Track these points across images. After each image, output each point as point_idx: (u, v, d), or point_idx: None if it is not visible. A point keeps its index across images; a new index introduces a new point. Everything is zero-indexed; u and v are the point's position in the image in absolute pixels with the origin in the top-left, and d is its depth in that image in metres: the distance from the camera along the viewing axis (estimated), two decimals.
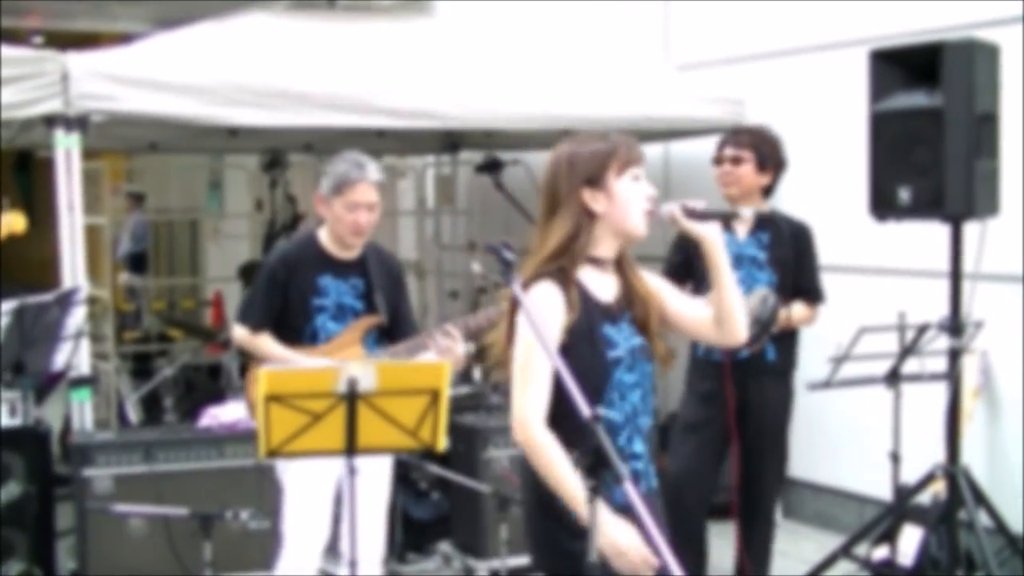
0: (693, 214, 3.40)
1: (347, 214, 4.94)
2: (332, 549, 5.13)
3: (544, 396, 3.30)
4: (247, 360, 5.23)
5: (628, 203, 3.39)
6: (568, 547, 3.29)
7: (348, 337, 5.01)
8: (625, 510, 3.26)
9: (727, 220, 3.42)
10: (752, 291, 5.41)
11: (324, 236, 5.09)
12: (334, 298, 5.03)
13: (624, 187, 3.39)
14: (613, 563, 3.20)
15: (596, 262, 3.43)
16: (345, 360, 4.85)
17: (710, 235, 3.40)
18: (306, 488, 4.95)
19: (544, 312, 3.29)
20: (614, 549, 3.20)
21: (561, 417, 3.28)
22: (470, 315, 5.16)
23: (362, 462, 4.43)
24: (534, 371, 3.30)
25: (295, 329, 5.03)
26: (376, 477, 4.98)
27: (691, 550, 5.67)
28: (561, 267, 3.36)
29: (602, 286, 3.44)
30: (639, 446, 3.43)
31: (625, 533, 3.21)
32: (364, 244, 5.11)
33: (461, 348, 4.82)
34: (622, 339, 3.40)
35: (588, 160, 3.40)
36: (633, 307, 3.46)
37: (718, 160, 5.62)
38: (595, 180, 3.38)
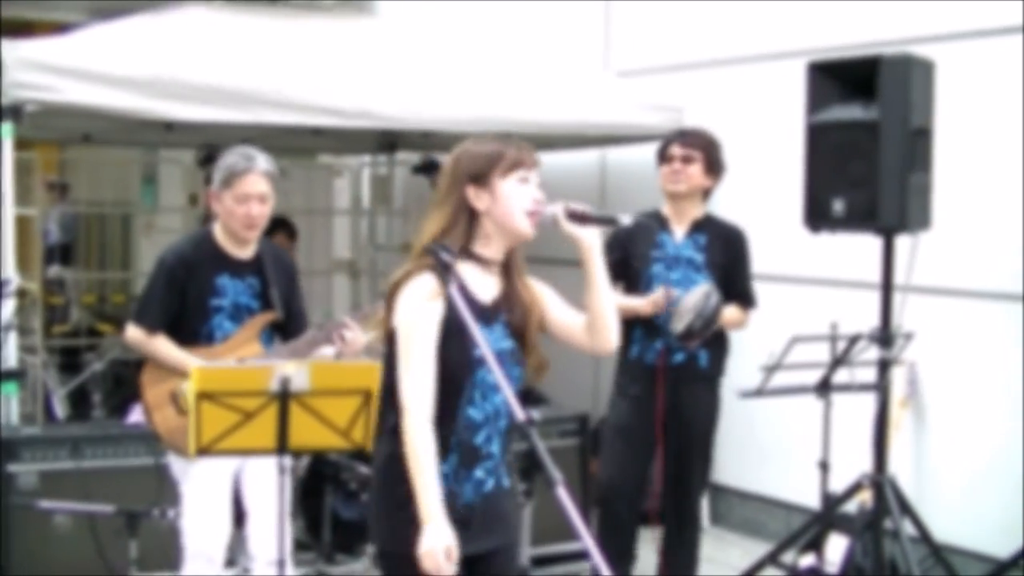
0: (575, 216, 3.43)
1: (238, 207, 4.87)
2: (242, 549, 5.10)
3: (427, 386, 3.33)
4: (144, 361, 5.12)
5: (511, 203, 3.43)
6: (405, 533, 3.33)
7: (244, 335, 4.96)
8: (471, 508, 3.38)
9: (605, 224, 3.44)
10: (690, 290, 5.43)
11: (219, 234, 5.02)
12: (231, 298, 4.96)
13: (509, 187, 3.43)
14: (421, 558, 3.22)
15: (480, 260, 3.47)
16: (242, 357, 4.84)
17: (587, 239, 3.44)
18: (204, 485, 4.90)
19: (422, 304, 3.35)
20: (427, 544, 3.21)
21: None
22: (366, 305, 5.12)
23: (263, 461, 4.41)
24: (414, 360, 3.34)
25: (192, 330, 4.94)
26: (275, 477, 4.93)
27: (622, 554, 5.70)
28: (437, 259, 3.37)
29: (482, 285, 3.48)
30: (496, 446, 3.46)
31: (443, 535, 3.23)
32: (259, 242, 5.07)
33: (363, 337, 4.81)
34: (492, 340, 3.41)
35: (475, 158, 3.46)
36: (511, 312, 3.49)
37: (667, 158, 5.62)
38: (480, 178, 3.43)
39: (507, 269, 3.54)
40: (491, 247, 3.48)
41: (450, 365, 3.36)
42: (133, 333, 4.98)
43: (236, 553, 5.36)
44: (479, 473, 3.43)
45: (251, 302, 5.01)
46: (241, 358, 4.84)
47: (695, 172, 5.59)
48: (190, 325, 4.95)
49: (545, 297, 3.60)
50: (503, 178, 3.43)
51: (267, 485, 4.71)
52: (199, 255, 4.99)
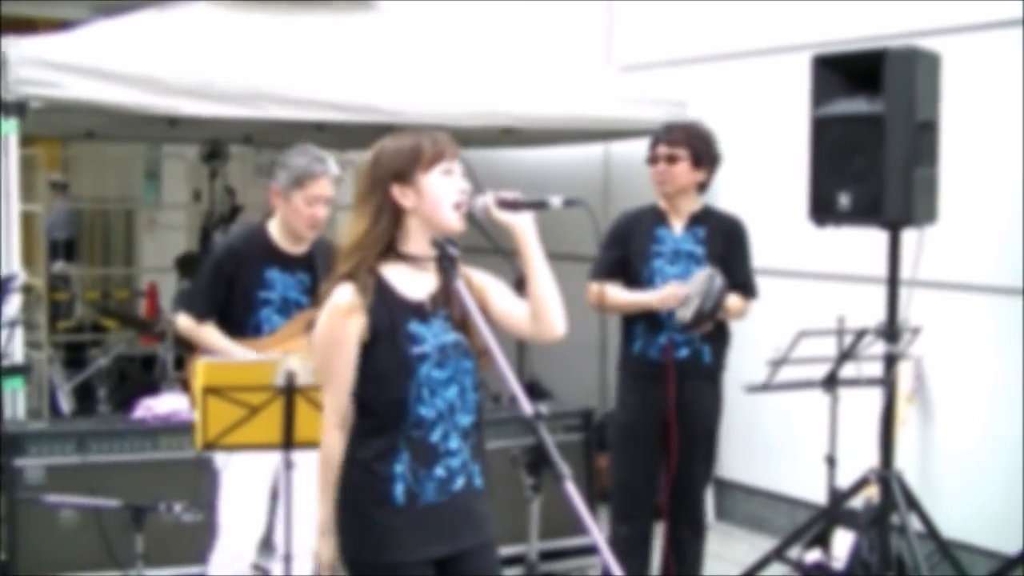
0: (505, 204, 3.41)
1: (306, 208, 4.93)
2: (266, 543, 5.11)
3: (344, 400, 3.38)
4: (184, 351, 5.21)
5: (437, 197, 3.39)
6: (378, 538, 3.38)
7: (291, 329, 4.98)
8: (437, 508, 3.38)
9: (536, 208, 3.42)
10: (697, 272, 5.41)
11: (274, 229, 5.07)
12: (280, 292, 5.01)
13: (432, 181, 3.39)
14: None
15: (409, 259, 3.44)
16: (287, 352, 4.83)
17: (521, 224, 3.40)
18: (243, 479, 4.93)
19: (337, 319, 3.35)
20: (318, 556, 3.44)
21: (366, 411, 3.41)
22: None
23: (297, 456, 4.42)
24: (331, 374, 3.38)
25: (239, 321, 5.01)
26: (311, 471, 4.95)
27: (639, 553, 5.70)
28: (357, 263, 3.39)
29: (413, 283, 3.45)
30: (455, 443, 3.42)
31: (326, 549, 3.42)
32: (313, 237, 5.10)
33: None
34: (431, 335, 3.41)
35: (395, 155, 3.41)
36: (451, 305, 3.45)
37: (653, 159, 5.62)
38: (403, 175, 3.38)
39: (440, 263, 3.48)
40: (420, 244, 3.44)
41: (385, 367, 3.35)
42: (182, 321, 5.10)
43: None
44: (440, 471, 3.39)
45: (300, 297, 5.06)
46: (285, 352, 4.84)
47: (681, 171, 5.56)
48: (237, 317, 5.02)
49: (488, 287, 3.55)
50: (426, 173, 3.38)
51: (305, 480, 4.73)
52: (249, 248, 5.06)
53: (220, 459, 4.99)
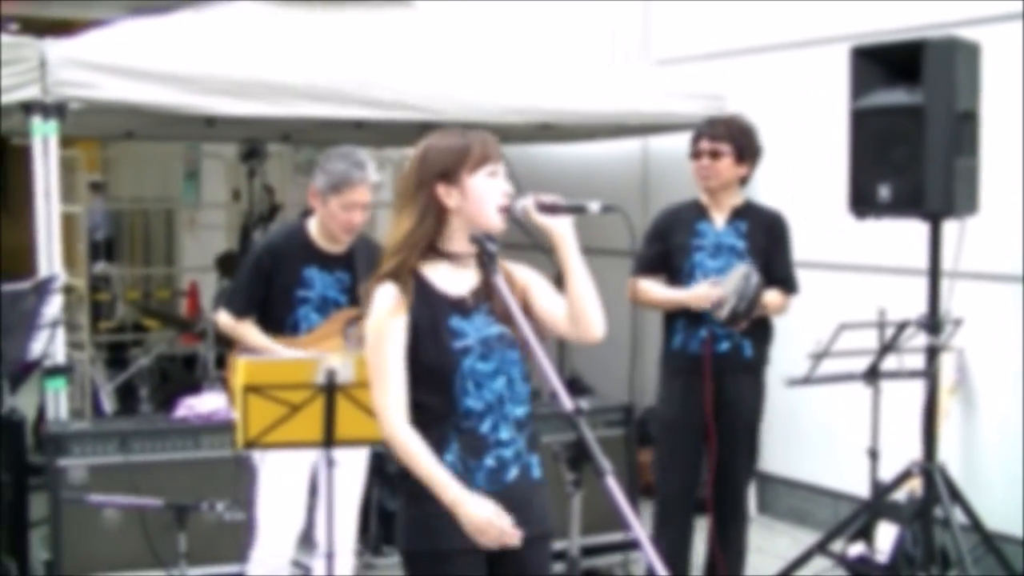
0: (544, 208, 3.41)
1: (342, 213, 4.94)
2: (306, 539, 5.13)
3: (400, 393, 3.36)
4: (225, 349, 5.24)
5: (482, 199, 3.41)
6: (429, 527, 3.38)
7: (328, 328, 5.00)
8: (487, 495, 3.35)
9: (575, 213, 3.43)
10: (733, 270, 5.40)
11: (313, 228, 5.09)
12: (318, 290, 5.03)
13: (478, 183, 3.41)
14: (477, 539, 3.28)
15: (450, 257, 3.47)
16: (324, 351, 4.84)
17: (559, 229, 3.41)
18: (281, 476, 4.95)
19: (384, 316, 3.37)
20: (473, 526, 3.27)
21: (415, 406, 3.39)
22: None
23: (338, 453, 4.43)
24: (383, 370, 3.37)
25: (277, 319, 5.03)
26: (351, 469, 4.98)
27: (682, 549, 5.69)
28: (400, 262, 3.41)
29: (454, 280, 3.48)
30: (506, 433, 3.44)
31: (481, 508, 3.27)
32: (350, 240, 5.11)
33: None
34: (472, 329, 3.43)
35: (442, 155, 3.43)
36: (493, 299, 3.48)
37: (696, 154, 5.60)
38: (449, 175, 3.40)
39: (481, 259, 3.51)
40: (461, 242, 3.47)
41: (429, 362, 3.37)
42: (223, 318, 5.13)
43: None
44: (490, 462, 3.41)
45: (339, 296, 5.07)
46: (324, 350, 4.86)
47: (725, 166, 5.55)
48: (276, 315, 5.05)
49: (531, 284, 3.58)
50: (472, 174, 3.41)
51: (346, 477, 4.76)
52: (289, 246, 5.08)
53: (257, 456, 5.01)
